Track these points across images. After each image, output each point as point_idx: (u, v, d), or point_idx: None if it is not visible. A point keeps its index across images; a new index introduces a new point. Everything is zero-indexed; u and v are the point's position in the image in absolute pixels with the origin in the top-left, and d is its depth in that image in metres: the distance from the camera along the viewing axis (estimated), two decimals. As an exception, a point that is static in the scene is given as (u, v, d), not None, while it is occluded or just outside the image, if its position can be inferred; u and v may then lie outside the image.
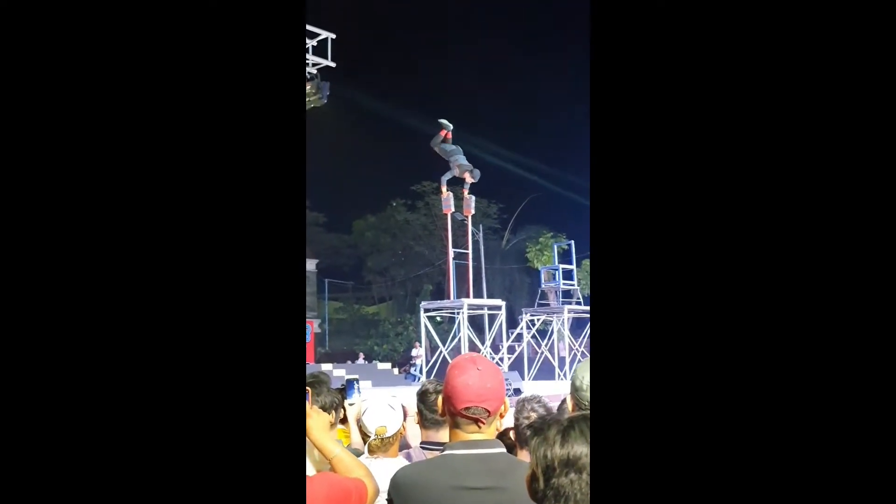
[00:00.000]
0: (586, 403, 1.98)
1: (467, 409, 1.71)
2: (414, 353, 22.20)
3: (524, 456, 2.50)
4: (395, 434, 2.43)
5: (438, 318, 19.63)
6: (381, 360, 24.74)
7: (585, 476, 1.23)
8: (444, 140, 15.03)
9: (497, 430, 1.81)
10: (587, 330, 18.11)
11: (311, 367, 14.41)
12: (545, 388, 12.35)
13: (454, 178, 15.30)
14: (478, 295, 19.61)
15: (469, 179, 14.96)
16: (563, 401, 2.43)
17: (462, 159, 14.93)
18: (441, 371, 14.11)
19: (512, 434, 2.78)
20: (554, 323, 18.38)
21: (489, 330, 16.11)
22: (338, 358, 26.10)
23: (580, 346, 17.51)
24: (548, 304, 18.77)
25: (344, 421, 2.57)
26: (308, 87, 13.31)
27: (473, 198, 15.64)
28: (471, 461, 1.69)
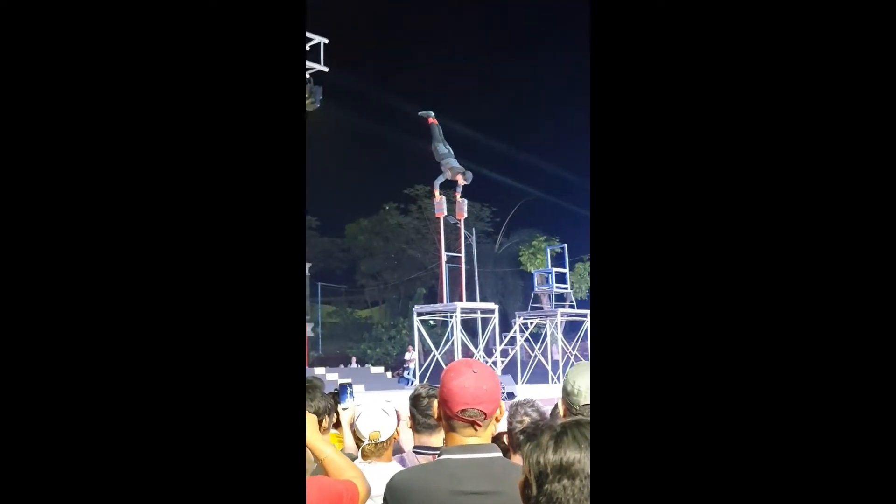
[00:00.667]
0: (578, 408, 1.99)
1: (463, 411, 1.71)
2: (407, 356, 22.15)
3: (518, 460, 2.50)
4: (389, 439, 2.43)
5: (431, 322, 19.61)
6: (374, 364, 24.66)
7: (578, 482, 1.22)
8: (430, 126, 15.05)
9: (493, 433, 1.82)
10: (580, 333, 18.13)
11: (303, 372, 14.29)
12: (539, 392, 12.33)
13: (447, 181, 15.29)
14: (471, 298, 19.59)
15: (461, 182, 14.95)
16: (556, 406, 2.44)
17: (453, 162, 14.92)
18: (434, 375, 14.10)
19: (505, 438, 2.78)
20: (547, 326, 18.37)
21: (482, 333, 16.10)
22: (331, 362, 26.03)
23: (573, 349, 17.51)
24: (541, 308, 18.77)
25: (337, 426, 2.57)
26: (301, 91, 13.27)
27: (466, 201, 15.64)
28: (468, 466, 1.69)
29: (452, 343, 14.78)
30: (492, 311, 15.91)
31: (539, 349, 17.83)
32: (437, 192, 15.72)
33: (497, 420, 1.78)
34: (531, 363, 18.44)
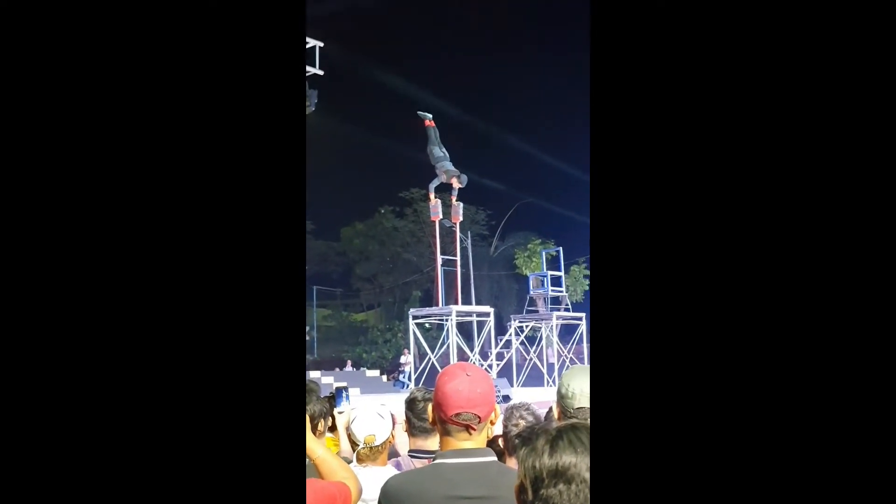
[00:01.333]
0: (572, 411, 1.98)
1: (458, 415, 1.70)
2: (402, 360, 22.15)
3: (513, 464, 2.49)
4: (385, 442, 2.43)
5: (427, 325, 19.59)
6: (369, 368, 24.62)
7: (574, 487, 1.21)
8: (426, 128, 15.06)
9: (488, 437, 1.81)
10: (575, 336, 18.15)
11: (299, 375, 14.27)
12: (534, 395, 12.34)
13: (442, 184, 15.31)
14: (466, 302, 19.60)
15: (456, 185, 14.97)
16: (550, 409, 2.44)
17: (448, 165, 14.95)
18: (430, 378, 14.08)
19: (501, 442, 2.78)
20: (542, 329, 18.39)
21: (478, 337, 16.12)
22: (326, 365, 25.96)
23: (569, 352, 17.52)
24: (536, 311, 18.79)
25: (333, 429, 2.56)
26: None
27: (461, 205, 15.67)
28: (463, 470, 1.69)
29: (448, 346, 14.78)
30: (487, 315, 15.93)
31: (534, 352, 17.84)
32: (432, 196, 15.75)
33: (492, 423, 1.78)
34: (526, 366, 18.46)
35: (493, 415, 1.76)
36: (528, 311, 19.11)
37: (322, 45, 14.09)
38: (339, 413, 2.49)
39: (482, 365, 14.94)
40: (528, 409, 2.86)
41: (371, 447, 2.38)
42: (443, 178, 15.03)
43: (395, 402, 3.16)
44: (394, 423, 2.50)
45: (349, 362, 28.04)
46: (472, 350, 15.50)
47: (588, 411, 1.92)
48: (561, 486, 1.22)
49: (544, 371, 17.65)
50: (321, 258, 34.70)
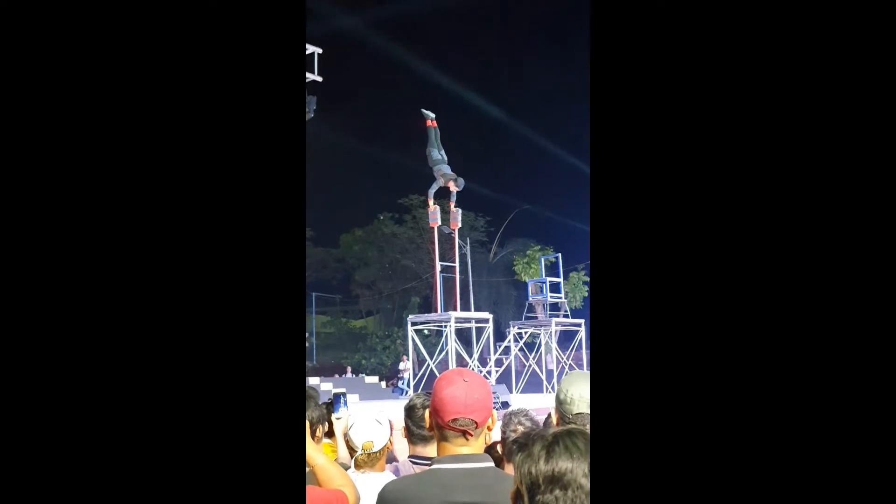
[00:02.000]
0: (571, 416, 1.98)
1: (455, 420, 1.70)
2: (401, 366, 22.09)
3: (511, 470, 2.49)
4: (383, 449, 2.42)
5: (426, 332, 19.56)
6: (368, 374, 24.57)
7: (570, 493, 1.20)
8: (427, 128, 15.05)
9: (486, 443, 1.81)
10: (575, 343, 18.12)
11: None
12: (533, 402, 12.32)
13: (441, 190, 15.30)
14: (465, 308, 19.57)
15: (453, 188, 14.96)
16: (549, 415, 2.43)
17: (446, 168, 14.93)
18: (429, 384, 14.02)
19: (499, 448, 2.78)
20: (541, 336, 18.37)
21: (477, 343, 16.08)
22: (325, 372, 25.94)
23: (568, 358, 17.50)
24: (535, 317, 18.76)
25: (331, 435, 2.56)
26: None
27: (460, 211, 15.67)
28: (459, 475, 1.68)
29: (447, 353, 14.75)
30: (486, 321, 15.90)
31: (533, 358, 17.81)
32: (431, 202, 15.73)
33: (489, 429, 1.77)
34: (525, 372, 18.43)
35: (490, 420, 1.76)
36: (527, 318, 19.08)
37: (321, 51, 14.11)
38: (337, 419, 2.49)
39: (481, 371, 14.92)
40: (526, 415, 2.86)
41: (369, 453, 2.38)
42: (440, 182, 15.01)
43: (394, 410, 3.16)
44: (391, 430, 2.50)
45: (348, 369, 28.00)
46: (470, 356, 15.47)
47: (587, 417, 1.92)
48: (557, 492, 1.21)
49: (543, 377, 17.62)
50: (320, 265, 34.69)
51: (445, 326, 15.02)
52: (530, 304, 19.30)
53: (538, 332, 18.56)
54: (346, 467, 2.32)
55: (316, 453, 1.98)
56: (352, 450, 2.41)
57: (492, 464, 1.75)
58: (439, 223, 15.69)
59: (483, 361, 17.89)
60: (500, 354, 18.08)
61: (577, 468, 1.22)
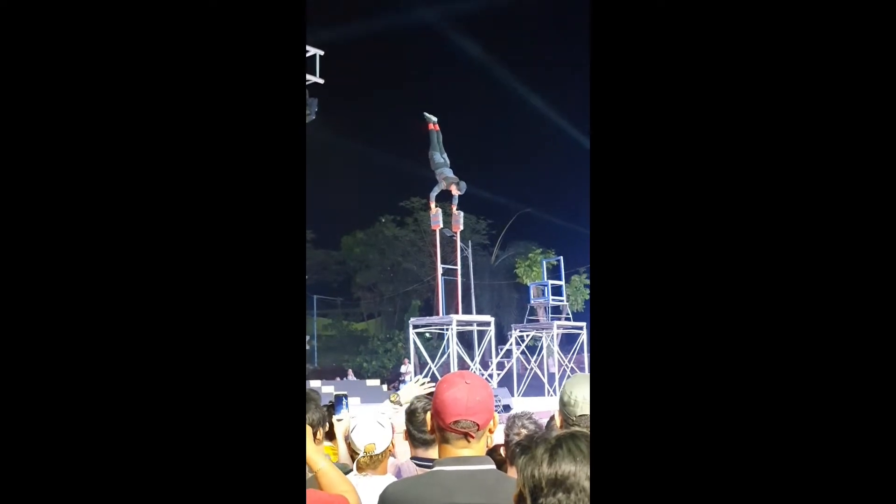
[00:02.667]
0: (575, 418, 1.98)
1: (456, 422, 1.70)
2: (403, 369, 22.10)
3: (514, 473, 2.48)
4: (385, 451, 2.42)
5: (427, 335, 19.58)
6: (369, 377, 24.59)
7: (573, 496, 1.20)
8: (430, 132, 15.07)
9: (487, 445, 1.80)
10: (576, 345, 18.13)
11: (299, 384, 14.29)
12: (535, 405, 12.32)
13: (442, 192, 15.32)
14: (467, 311, 19.59)
15: (455, 192, 14.99)
16: (552, 417, 2.43)
17: (448, 171, 14.96)
18: (430, 387, 14.03)
19: (503, 451, 2.78)
20: (543, 339, 18.38)
21: (478, 346, 16.09)
22: (327, 374, 25.96)
23: (569, 361, 17.50)
24: (537, 320, 18.79)
25: (332, 437, 2.56)
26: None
27: (462, 214, 15.69)
28: (461, 478, 1.68)
29: (448, 356, 14.75)
30: (488, 324, 15.91)
31: (535, 361, 17.82)
32: (432, 205, 15.76)
33: (491, 432, 1.77)
34: (527, 375, 18.43)
35: (491, 423, 1.76)
36: (529, 321, 19.10)
37: (322, 53, 14.14)
38: (338, 421, 2.48)
39: (483, 374, 14.93)
40: (529, 418, 2.86)
41: (371, 456, 2.37)
42: (442, 185, 15.04)
43: (396, 412, 3.15)
44: (393, 432, 2.49)
45: (350, 371, 28.01)
46: (472, 359, 15.48)
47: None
48: (560, 495, 1.21)
49: (545, 380, 17.62)
50: (321, 267, 34.70)
51: (447, 329, 15.03)
52: (532, 308, 19.33)
53: (540, 335, 18.57)
54: (348, 469, 2.32)
55: (319, 458, 1.97)
56: (354, 452, 2.41)
57: (493, 466, 1.75)
58: (441, 226, 15.70)
59: (485, 364, 17.89)
60: (501, 357, 18.09)
61: (580, 471, 1.22)
